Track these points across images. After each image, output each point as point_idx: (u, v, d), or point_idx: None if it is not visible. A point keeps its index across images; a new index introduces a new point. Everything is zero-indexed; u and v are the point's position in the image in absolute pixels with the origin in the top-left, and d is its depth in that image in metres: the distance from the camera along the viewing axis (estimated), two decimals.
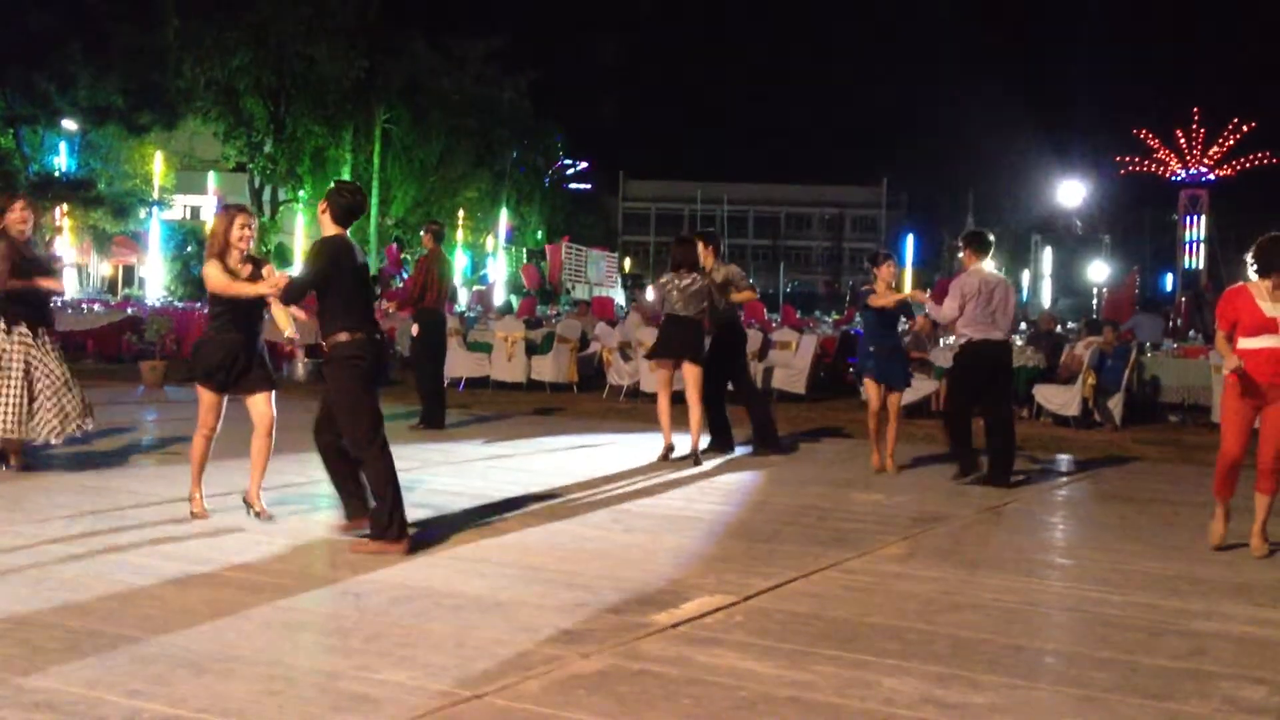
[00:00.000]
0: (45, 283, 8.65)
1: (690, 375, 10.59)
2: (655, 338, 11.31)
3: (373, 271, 27.07)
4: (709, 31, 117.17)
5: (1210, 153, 48.93)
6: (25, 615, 5.10)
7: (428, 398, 12.68)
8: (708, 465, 10.45)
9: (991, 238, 10.27)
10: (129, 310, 23.52)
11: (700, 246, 10.99)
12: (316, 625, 5.23)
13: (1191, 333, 22.76)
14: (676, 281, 10.63)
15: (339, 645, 4.87)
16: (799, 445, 12.28)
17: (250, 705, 4.08)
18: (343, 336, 6.60)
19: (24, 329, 8.47)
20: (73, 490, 8.12)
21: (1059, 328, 19.30)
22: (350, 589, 5.78)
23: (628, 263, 68.69)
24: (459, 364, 17.82)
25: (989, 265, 9.95)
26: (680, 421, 10.78)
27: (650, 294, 18.12)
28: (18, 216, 8.48)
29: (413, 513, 7.61)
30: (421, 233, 14.23)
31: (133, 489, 8.18)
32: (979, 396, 9.91)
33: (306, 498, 8.15)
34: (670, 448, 10.58)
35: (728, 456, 10.98)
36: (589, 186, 68.17)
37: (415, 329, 12.66)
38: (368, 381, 6.66)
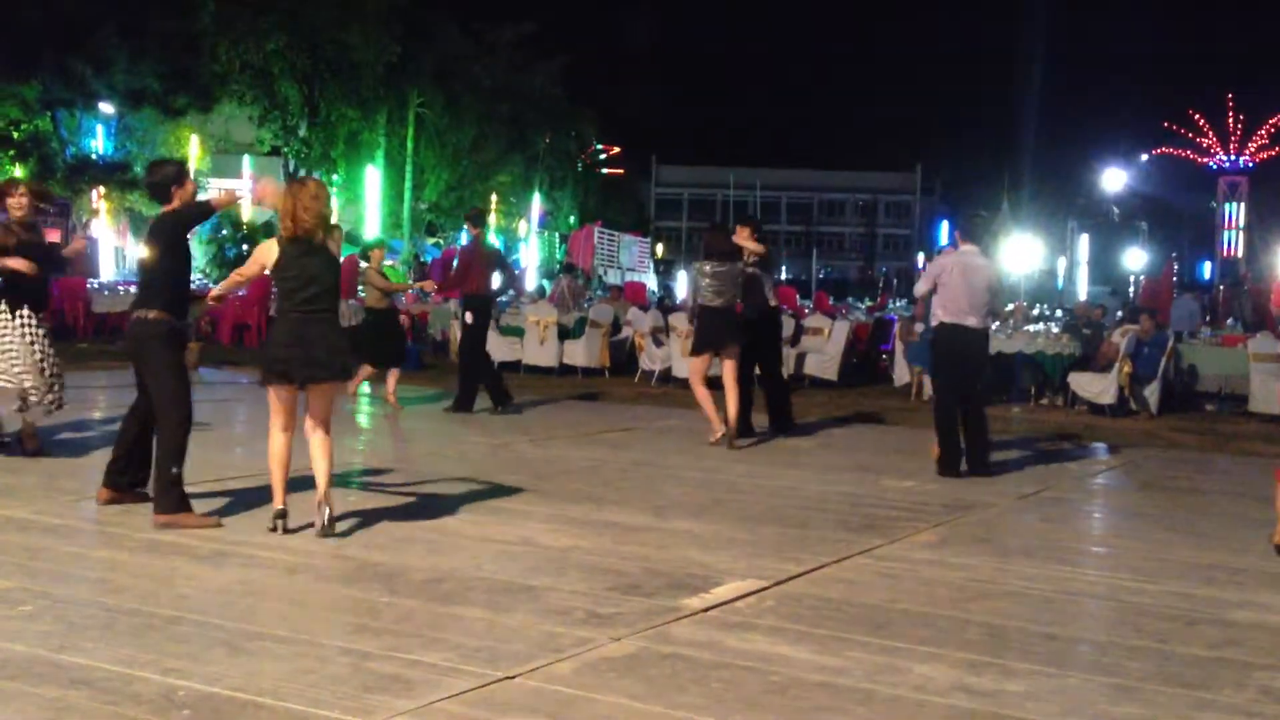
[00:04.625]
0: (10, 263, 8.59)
1: (728, 363, 10.68)
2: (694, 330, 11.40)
3: (404, 256, 26.99)
4: (742, 16, 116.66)
5: (1250, 140, 48.43)
6: (61, 594, 5.15)
7: (476, 383, 12.65)
8: (738, 450, 10.43)
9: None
10: None
11: (742, 230, 11.19)
12: (348, 606, 5.26)
13: (1230, 320, 22.50)
14: (706, 270, 10.71)
15: (371, 626, 4.89)
16: (831, 432, 12.25)
17: (283, 684, 4.11)
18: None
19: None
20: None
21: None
22: (382, 571, 5.80)
23: (660, 248, 68.58)
24: (491, 348, 17.83)
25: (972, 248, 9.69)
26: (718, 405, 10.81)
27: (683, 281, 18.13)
28: (14, 201, 8.60)
29: (444, 497, 7.66)
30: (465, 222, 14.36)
31: None
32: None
33: (339, 481, 8.20)
34: (722, 432, 10.60)
35: (749, 440, 10.97)
36: (621, 171, 68.07)
37: (469, 317, 12.64)
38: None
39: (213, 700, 3.95)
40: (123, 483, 7.07)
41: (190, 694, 4.00)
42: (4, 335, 8.49)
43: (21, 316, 8.51)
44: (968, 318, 9.42)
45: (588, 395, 15.15)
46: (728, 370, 10.70)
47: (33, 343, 8.52)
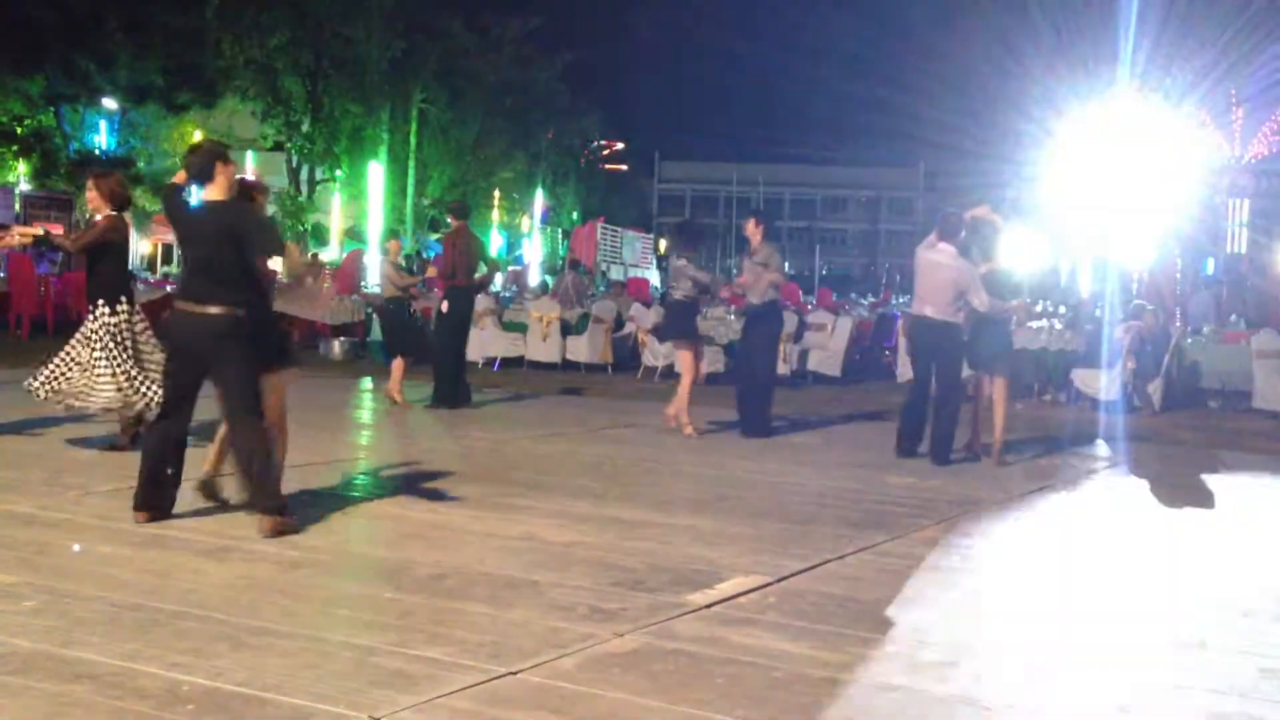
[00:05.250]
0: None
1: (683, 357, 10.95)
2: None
3: (407, 250, 26.99)
4: (747, 12, 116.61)
5: (1256, 135, 48.32)
6: (65, 588, 5.15)
7: (447, 376, 12.61)
8: (742, 447, 10.44)
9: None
10: (168, 288, 23.68)
11: (750, 224, 11.37)
12: (352, 601, 5.27)
13: (1233, 317, 22.44)
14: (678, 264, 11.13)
15: (375, 621, 4.90)
16: (834, 428, 12.25)
17: (287, 679, 4.11)
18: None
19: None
20: (112, 464, 8.18)
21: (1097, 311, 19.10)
22: (385, 566, 5.81)
23: (663, 244, 68.54)
24: (494, 343, 17.87)
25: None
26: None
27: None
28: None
29: (446, 493, 7.67)
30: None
31: None
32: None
33: (343, 476, 8.21)
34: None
35: (763, 439, 10.96)
36: (624, 167, 68.09)
37: (445, 305, 12.64)
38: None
39: (216, 695, 3.96)
40: (165, 503, 6.60)
41: (194, 689, 4.01)
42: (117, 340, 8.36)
43: (121, 312, 8.40)
44: (925, 307, 9.78)
45: (591, 391, 15.16)
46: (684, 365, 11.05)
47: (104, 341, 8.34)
